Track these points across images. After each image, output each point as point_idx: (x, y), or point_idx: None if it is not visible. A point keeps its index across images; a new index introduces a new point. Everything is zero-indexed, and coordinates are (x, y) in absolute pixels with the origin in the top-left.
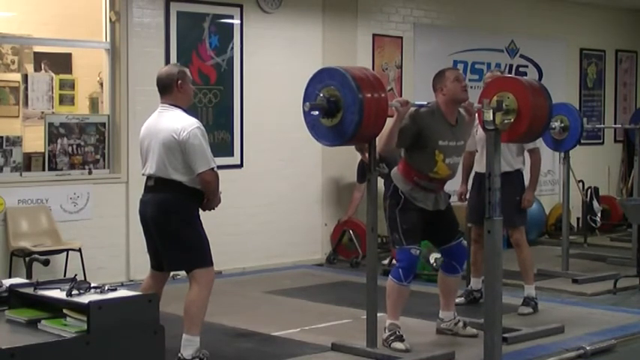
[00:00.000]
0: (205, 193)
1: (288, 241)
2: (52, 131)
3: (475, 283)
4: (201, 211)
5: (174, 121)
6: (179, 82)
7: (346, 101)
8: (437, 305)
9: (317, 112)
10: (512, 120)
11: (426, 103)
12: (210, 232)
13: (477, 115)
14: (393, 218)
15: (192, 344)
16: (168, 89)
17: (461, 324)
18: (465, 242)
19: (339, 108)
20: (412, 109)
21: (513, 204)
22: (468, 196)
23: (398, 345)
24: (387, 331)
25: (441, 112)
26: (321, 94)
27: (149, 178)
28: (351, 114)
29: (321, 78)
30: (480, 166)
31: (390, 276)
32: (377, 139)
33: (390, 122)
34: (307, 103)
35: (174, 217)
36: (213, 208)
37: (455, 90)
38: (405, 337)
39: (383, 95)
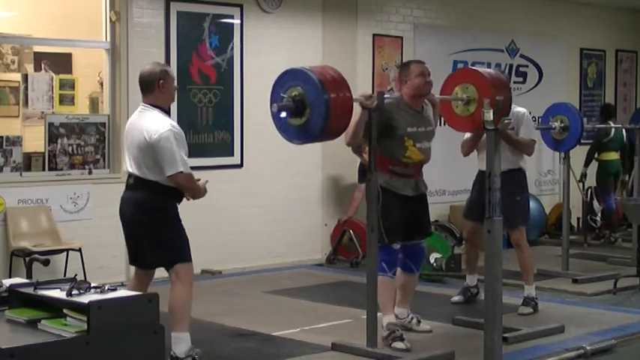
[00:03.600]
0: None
1: (288, 241)
2: (52, 131)
3: (470, 280)
4: (201, 211)
5: (149, 123)
6: (160, 81)
7: (311, 97)
8: (437, 305)
9: (285, 114)
10: (473, 110)
11: (389, 95)
12: (210, 232)
13: (439, 104)
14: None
15: (184, 341)
16: (149, 88)
17: (415, 320)
18: (424, 245)
19: (305, 106)
20: (375, 101)
21: (514, 204)
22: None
23: (398, 344)
24: (385, 330)
25: (406, 102)
26: (286, 96)
27: (130, 176)
28: (317, 108)
29: (284, 81)
30: (483, 164)
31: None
32: (344, 132)
33: (356, 116)
34: (275, 105)
35: (152, 216)
36: (201, 197)
37: (418, 84)
38: (405, 336)
39: (347, 89)
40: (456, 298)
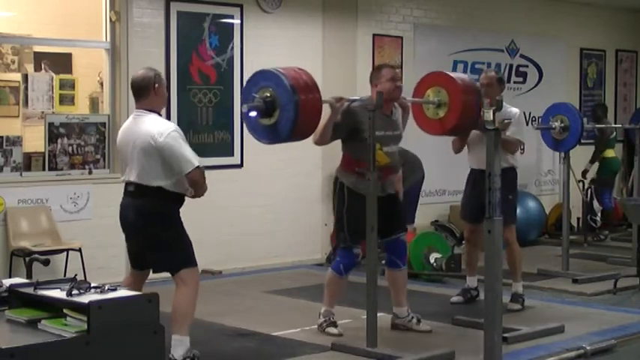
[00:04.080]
0: (193, 189)
1: (288, 241)
2: (52, 131)
3: (471, 281)
4: (201, 211)
5: (151, 127)
6: (156, 85)
7: (281, 100)
8: (437, 305)
9: (256, 114)
10: (442, 115)
11: (359, 97)
12: (210, 232)
13: (410, 107)
14: (340, 218)
15: (183, 344)
16: (144, 92)
17: (414, 320)
18: (403, 239)
19: (275, 107)
20: (345, 104)
21: (507, 202)
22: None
23: (332, 330)
24: (321, 317)
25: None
26: (257, 96)
27: (129, 183)
28: (287, 113)
29: (256, 81)
30: (473, 162)
31: (330, 269)
32: (313, 133)
33: (326, 116)
34: (245, 105)
35: (155, 221)
36: (203, 194)
37: (388, 89)
38: (405, 336)
39: (317, 93)
40: (455, 299)
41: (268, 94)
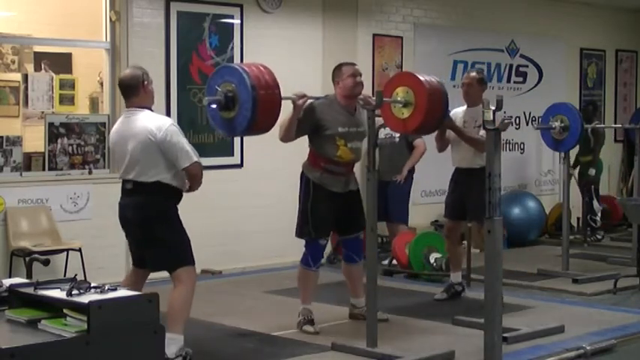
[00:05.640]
0: (190, 183)
1: (288, 241)
2: (52, 131)
3: (454, 277)
4: (201, 211)
5: (148, 123)
6: (145, 82)
7: (241, 98)
8: (437, 305)
9: (215, 106)
10: (407, 115)
11: (323, 96)
12: (210, 232)
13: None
14: (305, 211)
15: (176, 342)
16: (134, 91)
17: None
18: (361, 237)
19: (235, 102)
20: (308, 102)
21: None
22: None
23: (308, 328)
24: (300, 315)
25: (339, 102)
26: (220, 89)
27: (127, 181)
28: (245, 110)
29: (222, 74)
30: (455, 161)
31: (300, 263)
32: (279, 128)
33: (289, 113)
34: (206, 98)
35: (155, 219)
36: (196, 189)
37: (350, 85)
38: (405, 336)
39: (276, 92)
40: (438, 296)
41: (230, 89)
